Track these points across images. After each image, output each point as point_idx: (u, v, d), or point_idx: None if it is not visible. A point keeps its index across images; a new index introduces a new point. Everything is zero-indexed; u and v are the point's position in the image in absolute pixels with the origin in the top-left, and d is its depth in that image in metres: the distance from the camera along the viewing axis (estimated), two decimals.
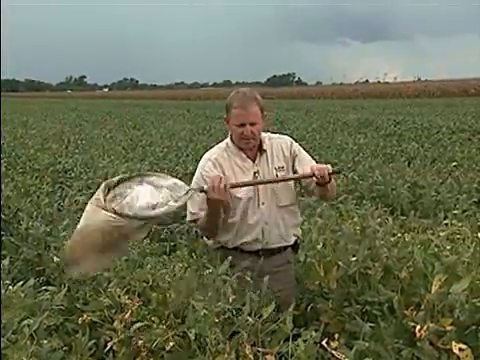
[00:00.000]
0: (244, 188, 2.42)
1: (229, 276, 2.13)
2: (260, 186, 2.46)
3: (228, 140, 2.53)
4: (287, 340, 1.81)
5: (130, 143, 10.27)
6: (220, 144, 2.58)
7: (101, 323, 2.06)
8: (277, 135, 2.63)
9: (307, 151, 2.62)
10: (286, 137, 2.64)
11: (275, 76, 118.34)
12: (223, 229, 2.46)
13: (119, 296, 2.05)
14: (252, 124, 2.38)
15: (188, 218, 2.56)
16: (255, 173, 2.48)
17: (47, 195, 4.96)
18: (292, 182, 2.53)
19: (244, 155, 2.49)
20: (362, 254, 2.20)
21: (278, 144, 2.55)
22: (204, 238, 2.72)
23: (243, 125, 2.38)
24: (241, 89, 2.50)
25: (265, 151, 2.50)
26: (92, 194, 2.20)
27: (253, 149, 2.49)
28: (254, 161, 2.49)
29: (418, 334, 1.73)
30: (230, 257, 2.21)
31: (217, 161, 2.47)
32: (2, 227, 3.72)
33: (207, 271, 2.21)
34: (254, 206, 2.45)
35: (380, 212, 3.79)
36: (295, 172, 2.51)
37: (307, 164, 2.45)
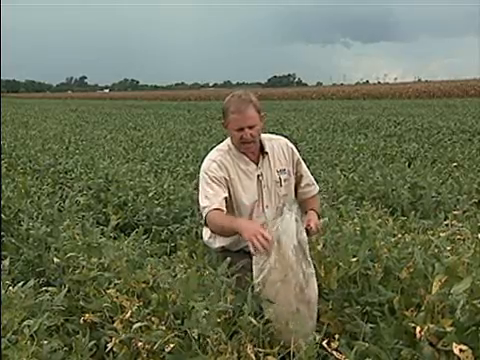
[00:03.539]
0: (249, 192, 2.44)
1: (229, 276, 2.13)
2: (264, 189, 2.47)
3: (229, 143, 2.52)
4: None
5: (130, 144, 10.26)
6: (220, 146, 2.56)
7: (102, 324, 2.06)
8: (275, 136, 2.63)
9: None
10: (283, 138, 2.66)
11: (275, 77, 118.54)
12: None
13: (117, 297, 2.05)
14: (250, 127, 2.39)
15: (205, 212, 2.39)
16: (259, 176, 2.49)
17: (48, 196, 4.95)
18: (293, 186, 2.58)
19: (247, 158, 2.49)
20: (362, 255, 2.20)
21: (278, 146, 2.56)
22: (208, 240, 2.65)
23: (242, 129, 2.39)
24: (236, 92, 2.49)
25: (267, 153, 2.50)
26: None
27: (255, 151, 2.49)
28: (257, 164, 2.50)
29: (418, 335, 1.73)
30: (229, 258, 2.20)
31: (222, 163, 2.45)
32: (2, 228, 3.72)
33: (207, 272, 2.21)
34: (259, 210, 2.47)
35: (380, 213, 3.78)
36: (299, 177, 2.60)
37: (305, 174, 2.61)
